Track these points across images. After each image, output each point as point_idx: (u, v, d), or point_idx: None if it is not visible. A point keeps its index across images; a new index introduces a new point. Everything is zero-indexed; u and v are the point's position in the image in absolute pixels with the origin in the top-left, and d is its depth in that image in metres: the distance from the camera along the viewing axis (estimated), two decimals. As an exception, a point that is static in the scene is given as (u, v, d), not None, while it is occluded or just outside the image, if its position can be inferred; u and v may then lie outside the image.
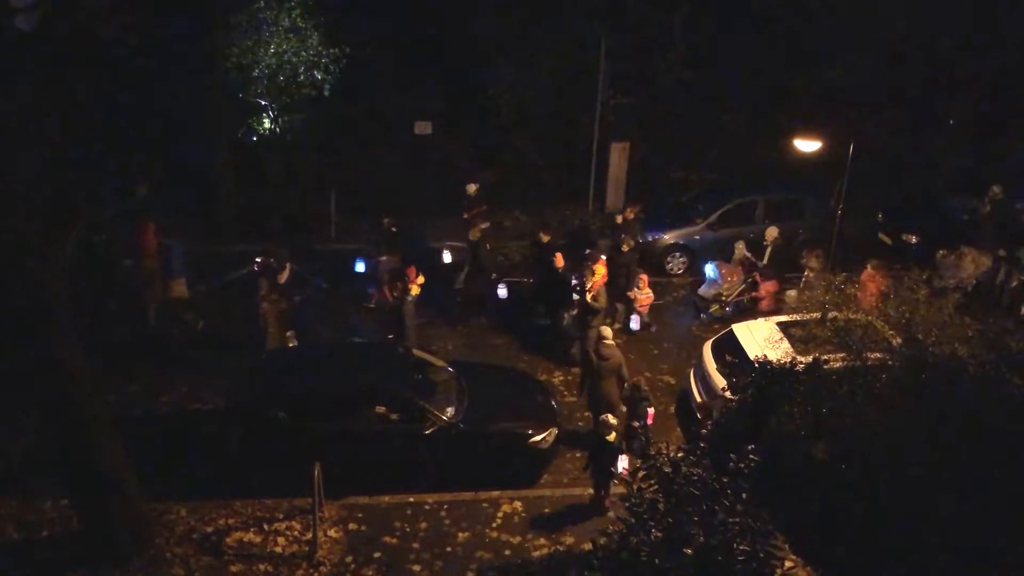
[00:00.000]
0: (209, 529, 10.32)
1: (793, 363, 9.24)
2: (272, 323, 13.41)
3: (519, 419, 11.41)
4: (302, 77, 17.72)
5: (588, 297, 13.57)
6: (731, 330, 12.85)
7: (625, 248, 15.20)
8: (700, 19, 20.86)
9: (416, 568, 9.93)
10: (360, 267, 16.01)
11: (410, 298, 13.68)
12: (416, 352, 12.46)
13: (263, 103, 18.31)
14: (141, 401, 12.79)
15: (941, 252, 15.56)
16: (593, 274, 13.76)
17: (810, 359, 9.31)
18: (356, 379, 11.46)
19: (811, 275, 15.02)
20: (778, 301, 15.16)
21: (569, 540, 10.35)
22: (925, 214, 18.18)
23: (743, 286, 15.58)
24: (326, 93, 18.16)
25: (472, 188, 17.07)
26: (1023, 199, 17.54)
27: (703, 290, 16.04)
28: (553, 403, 12.22)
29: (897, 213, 18.47)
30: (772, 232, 15.95)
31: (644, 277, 15.10)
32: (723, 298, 15.63)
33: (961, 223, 17.46)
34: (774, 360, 9.33)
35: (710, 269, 16.01)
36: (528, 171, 21.31)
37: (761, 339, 11.74)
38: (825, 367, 9.18)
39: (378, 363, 11.95)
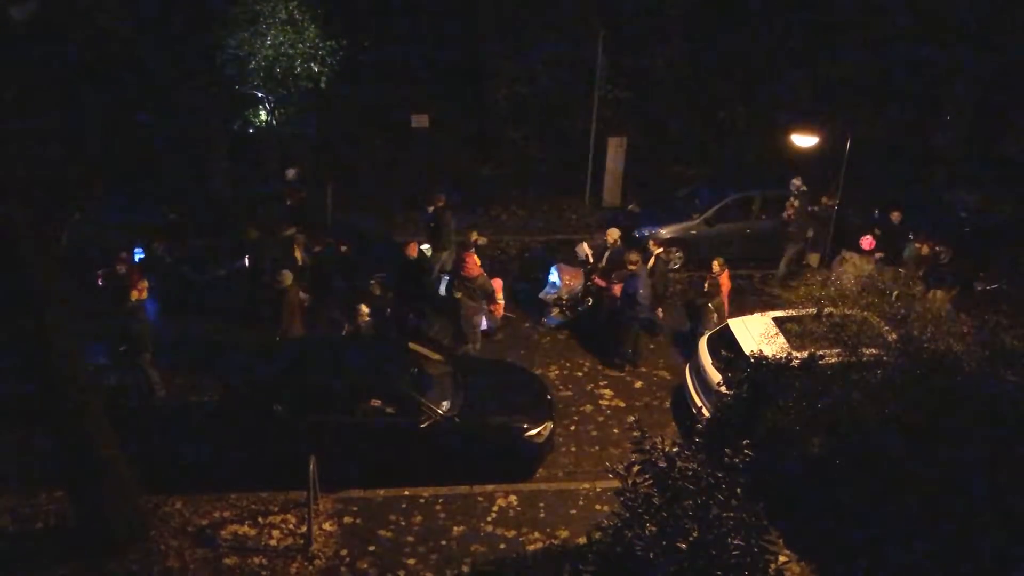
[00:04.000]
0: (204, 522, 10.33)
1: (788, 358, 9.26)
2: None
3: (515, 413, 11.40)
4: (299, 69, 17.65)
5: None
6: (727, 325, 12.84)
7: (478, 241, 14.53)
8: (697, 13, 20.86)
9: (411, 562, 9.93)
10: (137, 256, 14.62)
11: (132, 304, 12.31)
12: (412, 345, 12.45)
13: (259, 95, 18.25)
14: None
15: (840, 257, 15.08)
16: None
17: (805, 354, 9.33)
18: (352, 373, 11.44)
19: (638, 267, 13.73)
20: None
21: (564, 534, 10.34)
22: (923, 209, 18.16)
23: (581, 290, 15.11)
24: (323, 85, 18.10)
25: (291, 173, 16.09)
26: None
27: (544, 294, 15.31)
28: (549, 397, 12.22)
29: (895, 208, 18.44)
30: (613, 234, 15.06)
31: (498, 282, 14.55)
32: (563, 302, 15.11)
33: (960, 219, 17.41)
34: (769, 355, 9.36)
35: (553, 273, 15.39)
36: (525, 165, 21.27)
37: (757, 334, 11.74)
38: (820, 362, 9.20)
39: (374, 357, 11.95)
